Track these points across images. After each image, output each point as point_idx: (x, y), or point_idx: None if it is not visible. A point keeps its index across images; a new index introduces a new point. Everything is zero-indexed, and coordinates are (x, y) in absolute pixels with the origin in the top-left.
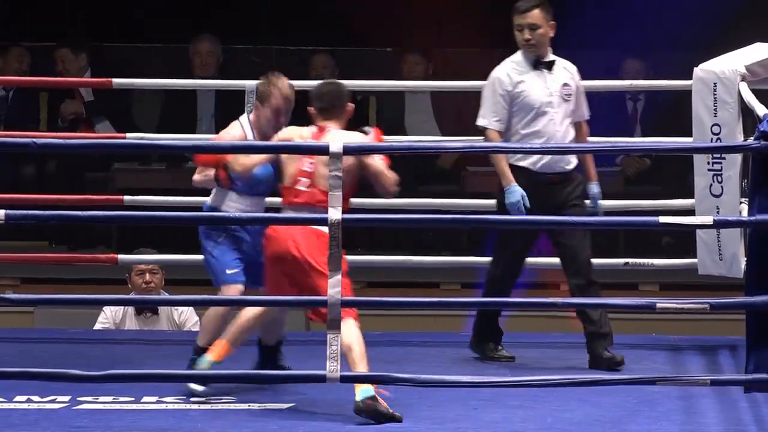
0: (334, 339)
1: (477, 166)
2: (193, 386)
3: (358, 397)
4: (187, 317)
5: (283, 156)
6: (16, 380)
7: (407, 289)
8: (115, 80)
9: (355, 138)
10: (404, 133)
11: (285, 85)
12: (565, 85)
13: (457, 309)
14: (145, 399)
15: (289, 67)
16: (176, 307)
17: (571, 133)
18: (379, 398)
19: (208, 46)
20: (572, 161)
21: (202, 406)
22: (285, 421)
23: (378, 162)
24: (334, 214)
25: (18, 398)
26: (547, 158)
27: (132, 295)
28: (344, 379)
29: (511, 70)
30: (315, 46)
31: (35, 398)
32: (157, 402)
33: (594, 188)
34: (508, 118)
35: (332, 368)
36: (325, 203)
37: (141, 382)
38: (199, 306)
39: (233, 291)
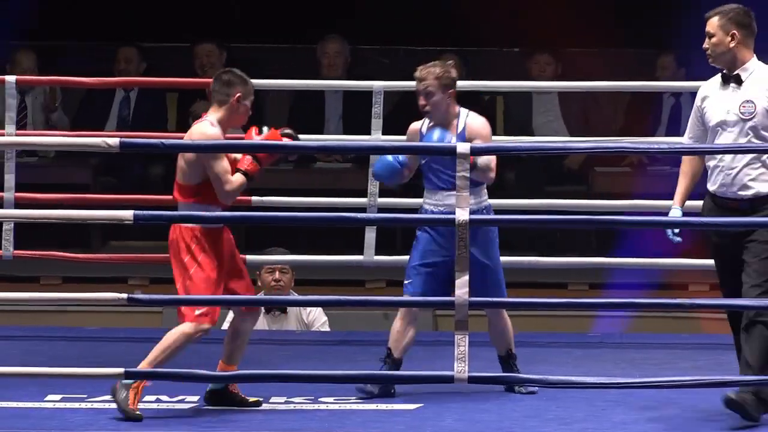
0: (462, 340)
1: (604, 167)
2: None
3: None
4: (316, 317)
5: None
6: (144, 379)
7: (535, 290)
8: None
9: (202, 129)
10: (531, 134)
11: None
12: (747, 102)
13: (584, 310)
14: (273, 399)
15: (416, 67)
16: (305, 307)
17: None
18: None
19: (336, 46)
20: (753, 188)
21: (330, 407)
22: (412, 422)
23: (222, 164)
24: (462, 214)
25: (147, 398)
26: (719, 181)
27: (261, 294)
28: (472, 380)
29: (708, 83)
30: (442, 47)
31: (164, 398)
32: (286, 402)
33: None
34: (701, 135)
35: (460, 369)
36: (187, 197)
37: (269, 381)
38: (327, 307)
39: None
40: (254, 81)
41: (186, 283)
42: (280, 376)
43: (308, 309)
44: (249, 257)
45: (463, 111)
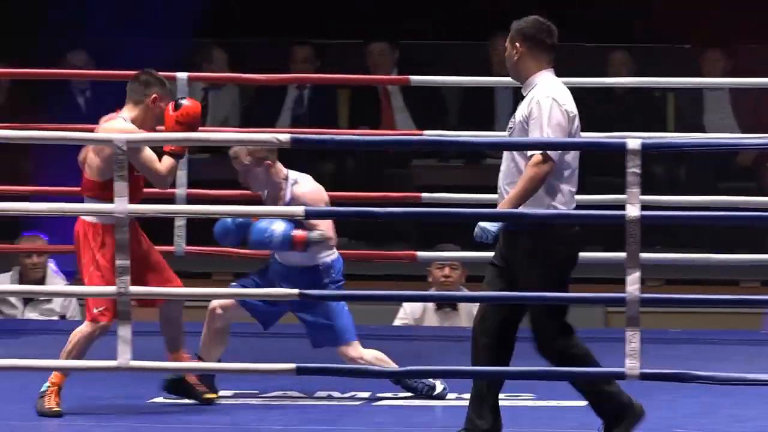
0: (634, 336)
1: None
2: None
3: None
4: None
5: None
6: (317, 376)
7: (707, 287)
8: (413, 77)
9: (117, 126)
10: (703, 131)
11: None
12: (514, 117)
13: (756, 307)
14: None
15: (583, 63)
16: (476, 303)
17: None
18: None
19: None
20: None
21: (501, 403)
22: (584, 419)
23: (146, 155)
24: (632, 211)
25: (319, 394)
26: None
27: (431, 291)
28: (644, 377)
29: None
30: (612, 43)
31: (335, 394)
32: (457, 399)
33: None
34: None
35: (631, 365)
36: (92, 192)
37: (441, 377)
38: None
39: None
40: (426, 78)
41: (86, 278)
42: (451, 372)
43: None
44: (420, 254)
45: (292, 176)
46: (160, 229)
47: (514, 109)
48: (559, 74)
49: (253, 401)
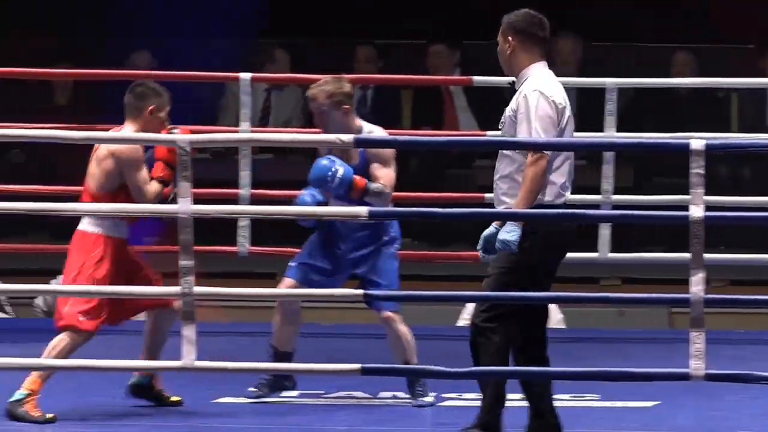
0: (698, 337)
1: None
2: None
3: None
4: (551, 315)
5: None
6: (382, 376)
7: None
8: (476, 78)
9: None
10: (766, 131)
11: None
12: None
13: None
14: (510, 396)
15: (649, 65)
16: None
17: None
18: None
19: (570, 44)
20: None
21: (565, 404)
22: (647, 420)
23: (141, 174)
24: (696, 211)
25: (383, 394)
26: None
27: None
28: (709, 377)
29: None
30: (673, 43)
31: (400, 394)
32: (522, 399)
33: None
34: None
35: (696, 366)
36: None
37: (505, 378)
38: (562, 304)
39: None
40: (488, 78)
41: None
42: (515, 373)
43: None
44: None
45: (366, 127)
46: (223, 230)
47: (578, 109)
48: (631, 75)
49: (318, 401)
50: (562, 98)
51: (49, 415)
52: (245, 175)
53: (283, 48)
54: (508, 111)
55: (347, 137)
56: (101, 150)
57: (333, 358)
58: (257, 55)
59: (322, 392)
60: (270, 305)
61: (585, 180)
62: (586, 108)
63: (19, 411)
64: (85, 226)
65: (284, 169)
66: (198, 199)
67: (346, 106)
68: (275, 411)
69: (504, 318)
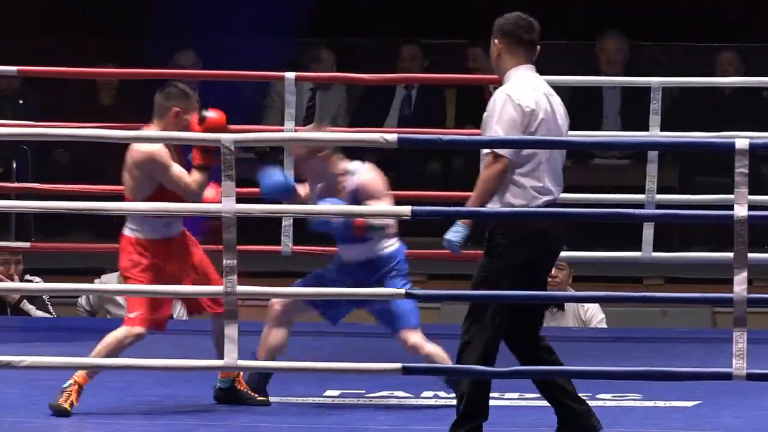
0: (741, 337)
1: None
2: None
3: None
4: (593, 314)
5: None
6: (422, 375)
7: None
8: None
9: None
10: None
11: None
12: None
13: None
14: (528, 395)
15: (693, 63)
16: (583, 304)
17: None
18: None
19: (615, 43)
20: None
21: (607, 403)
22: (690, 419)
23: (174, 172)
24: (740, 211)
25: (425, 393)
26: None
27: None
28: (751, 377)
29: None
30: (719, 43)
31: (441, 394)
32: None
33: None
34: None
35: (738, 366)
36: None
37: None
38: (604, 303)
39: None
40: None
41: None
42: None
43: (586, 306)
44: None
45: (352, 167)
46: (267, 229)
47: (621, 109)
48: (676, 74)
49: (360, 401)
50: (533, 102)
51: (65, 407)
52: (289, 174)
53: (329, 47)
54: (485, 114)
55: (391, 137)
56: (127, 159)
57: (374, 358)
58: (303, 54)
59: (363, 392)
60: None
61: (629, 180)
62: (631, 107)
63: (56, 400)
64: (124, 229)
65: None
66: (242, 199)
67: (322, 153)
68: (317, 411)
69: (486, 321)
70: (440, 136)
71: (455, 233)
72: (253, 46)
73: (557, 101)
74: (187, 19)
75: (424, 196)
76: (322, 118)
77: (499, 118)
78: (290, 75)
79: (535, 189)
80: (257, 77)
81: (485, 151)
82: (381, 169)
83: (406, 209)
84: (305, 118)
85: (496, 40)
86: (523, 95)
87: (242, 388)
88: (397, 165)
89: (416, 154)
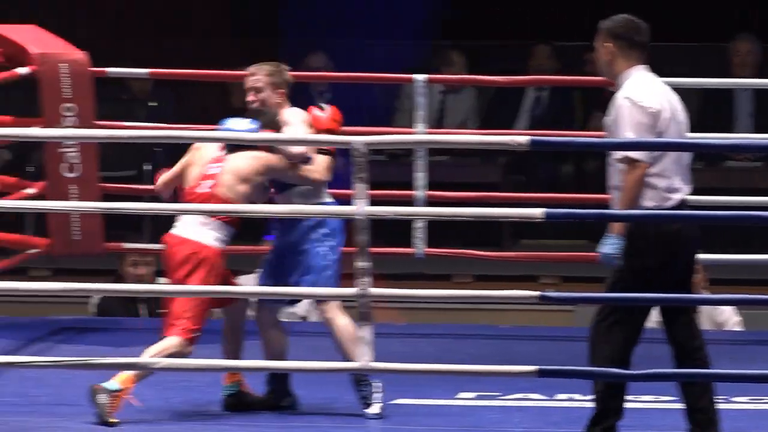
0: None
1: None
2: None
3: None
4: (728, 317)
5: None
6: (561, 378)
7: None
8: None
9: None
10: None
11: None
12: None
13: None
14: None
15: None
16: (718, 307)
17: None
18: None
19: (748, 45)
20: None
21: (743, 406)
22: (736, 423)
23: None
24: None
25: (559, 396)
26: None
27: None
28: None
29: None
30: None
31: (576, 396)
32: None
33: None
34: None
35: None
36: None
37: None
38: (740, 306)
39: None
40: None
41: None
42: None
43: (720, 309)
44: None
45: (288, 109)
46: (399, 231)
47: (755, 110)
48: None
49: (495, 403)
50: (656, 102)
51: (114, 420)
52: (421, 176)
53: (459, 50)
54: (609, 118)
55: (523, 139)
56: (242, 168)
57: (510, 360)
58: (433, 57)
59: (499, 394)
60: (445, 307)
61: (762, 182)
62: (763, 110)
63: (103, 399)
64: (206, 239)
65: (460, 171)
66: (374, 201)
67: (281, 90)
68: (452, 412)
69: (620, 322)
70: (574, 138)
71: (611, 246)
72: (384, 49)
73: (675, 98)
74: (319, 21)
75: (557, 199)
76: (453, 122)
77: (629, 124)
78: (420, 77)
79: (665, 189)
80: (387, 80)
81: (617, 156)
82: (512, 172)
83: (539, 212)
84: (436, 122)
85: (606, 44)
86: (645, 97)
87: (248, 392)
88: (528, 167)
89: (548, 156)
